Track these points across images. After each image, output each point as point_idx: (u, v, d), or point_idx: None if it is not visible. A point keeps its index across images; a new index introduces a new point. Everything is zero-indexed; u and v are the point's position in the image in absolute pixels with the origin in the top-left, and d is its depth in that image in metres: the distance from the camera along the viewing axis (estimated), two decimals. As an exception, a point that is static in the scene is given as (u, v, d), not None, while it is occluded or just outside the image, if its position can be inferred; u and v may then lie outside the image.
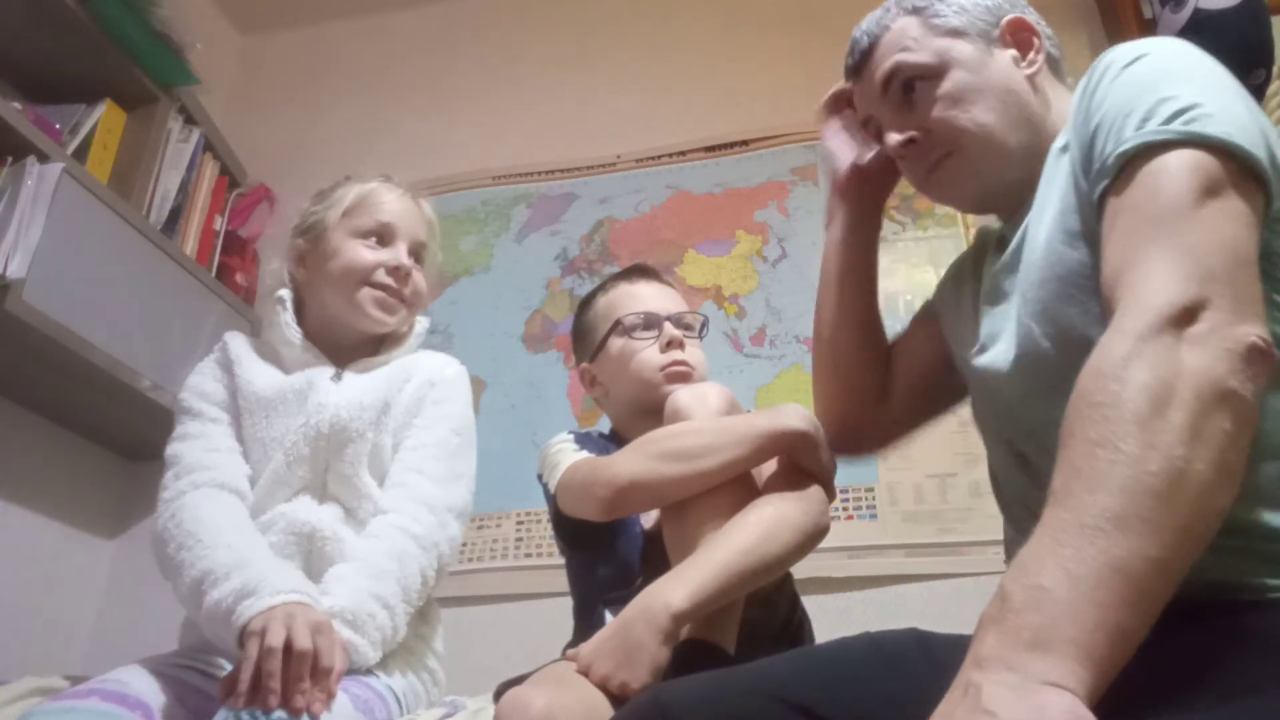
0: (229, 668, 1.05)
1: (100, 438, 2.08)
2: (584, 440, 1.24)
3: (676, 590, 0.92)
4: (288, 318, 1.31)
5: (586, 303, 1.39)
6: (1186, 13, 1.71)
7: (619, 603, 0.98)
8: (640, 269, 1.39)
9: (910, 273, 2.00)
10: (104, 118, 1.96)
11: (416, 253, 1.36)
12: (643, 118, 2.34)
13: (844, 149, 1.10)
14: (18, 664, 1.54)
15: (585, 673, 0.90)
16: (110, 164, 1.97)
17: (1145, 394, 0.61)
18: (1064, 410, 0.65)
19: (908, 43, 0.95)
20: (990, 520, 1.74)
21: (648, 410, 1.21)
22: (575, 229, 2.26)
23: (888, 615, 1.68)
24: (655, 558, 1.08)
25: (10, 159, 1.67)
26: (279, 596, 1.01)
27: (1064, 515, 0.59)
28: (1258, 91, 1.59)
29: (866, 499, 1.84)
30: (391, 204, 1.34)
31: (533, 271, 2.23)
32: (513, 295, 2.21)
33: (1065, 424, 0.64)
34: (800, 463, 1.06)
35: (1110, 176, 0.74)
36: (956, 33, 0.95)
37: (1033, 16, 0.98)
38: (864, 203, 1.11)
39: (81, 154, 1.88)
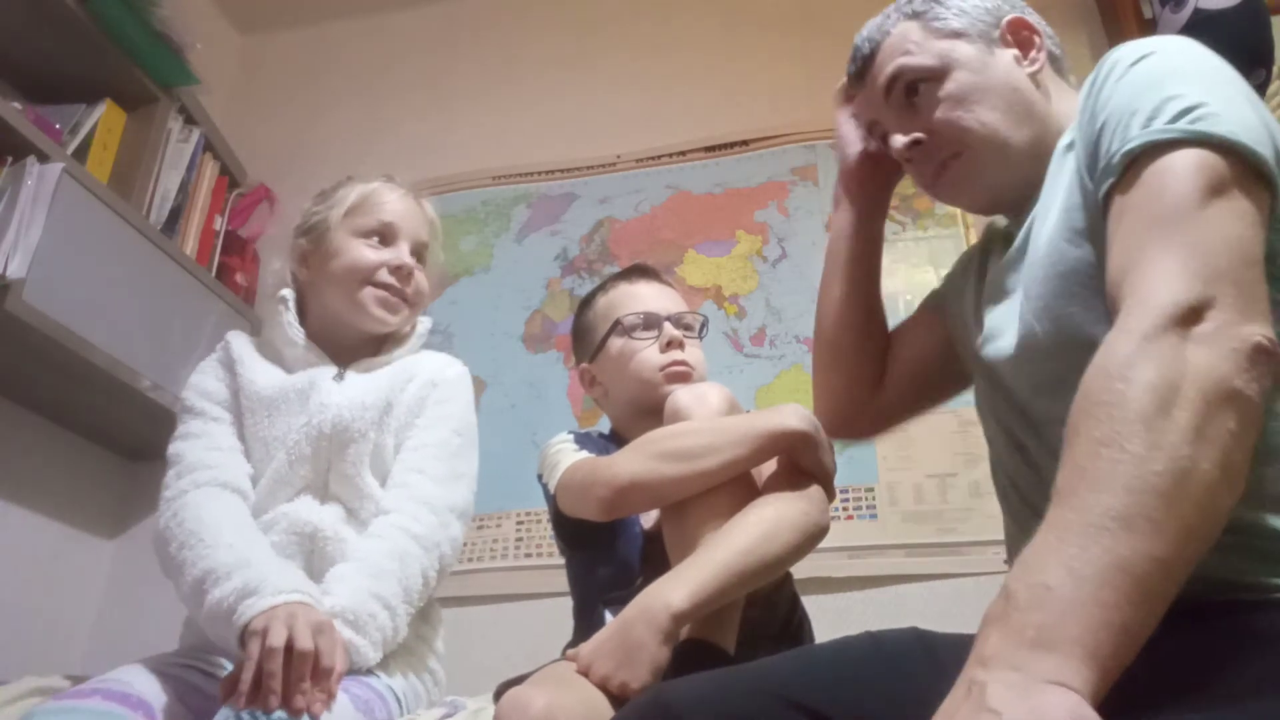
0: (230, 667, 1.05)
1: (100, 438, 2.08)
2: (584, 440, 1.24)
3: (676, 590, 0.92)
4: (290, 317, 1.31)
5: (586, 303, 1.39)
6: (1186, 12, 1.71)
7: (619, 603, 0.99)
8: (640, 269, 1.39)
9: (910, 273, 2.00)
10: (104, 118, 1.96)
11: (418, 252, 1.36)
12: (643, 118, 2.35)
13: (854, 136, 1.10)
14: (18, 664, 1.54)
15: (585, 673, 0.90)
16: (110, 164, 1.97)
17: (1151, 393, 0.60)
18: (1065, 406, 0.65)
19: (909, 46, 0.96)
20: (990, 520, 1.75)
21: (647, 410, 1.21)
22: (575, 229, 2.26)
23: (888, 615, 1.68)
24: (655, 558, 1.08)
25: (10, 159, 1.67)
26: (280, 596, 1.01)
27: (1068, 514, 0.59)
28: (1258, 91, 1.59)
29: (866, 499, 1.84)
30: (394, 204, 1.35)
31: (533, 271, 2.23)
32: (513, 295, 2.21)
33: (1070, 422, 0.64)
34: (800, 463, 1.06)
35: (1116, 175, 0.74)
36: (957, 34, 0.95)
37: (1033, 16, 0.99)
38: (871, 190, 1.11)
39: (81, 154, 1.88)
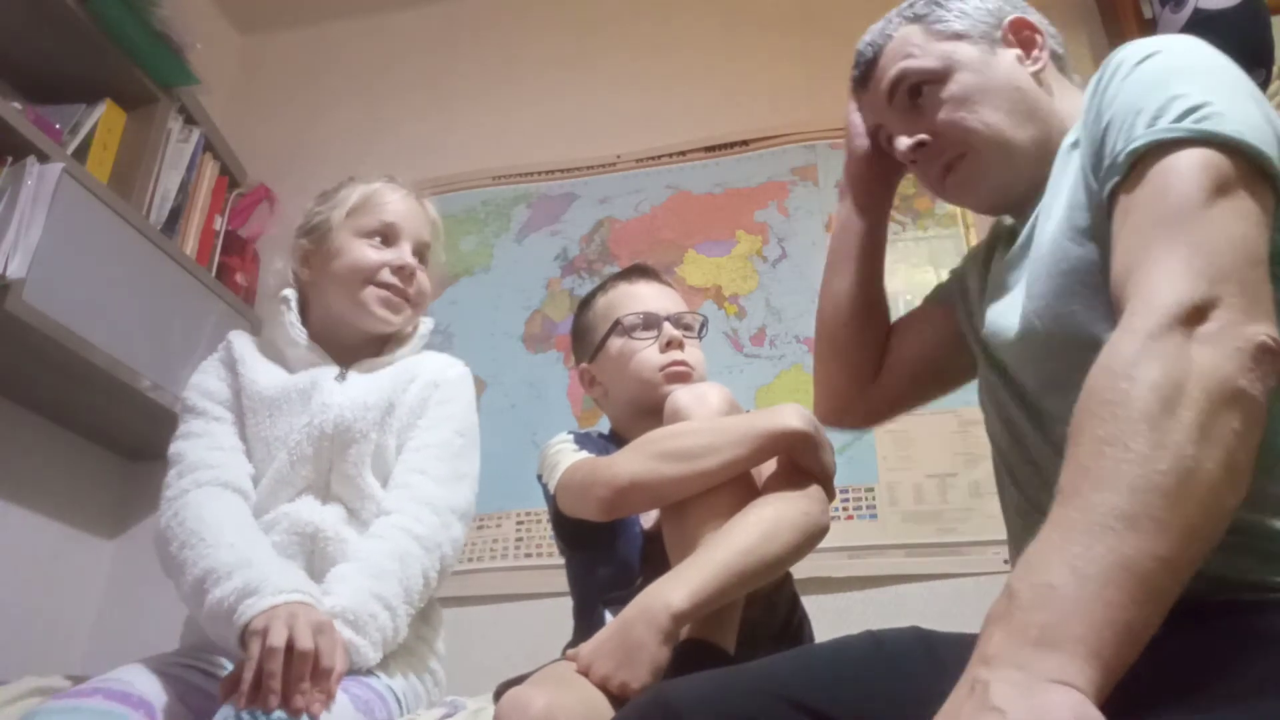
0: (230, 667, 1.05)
1: (100, 438, 2.08)
2: (583, 440, 1.24)
3: (676, 590, 0.92)
4: (292, 317, 1.31)
5: (586, 303, 1.39)
6: (1186, 12, 1.71)
7: (619, 603, 0.99)
8: (640, 269, 1.39)
9: (910, 273, 2.00)
10: (104, 118, 1.96)
11: (420, 253, 1.36)
12: (643, 118, 2.35)
13: (862, 128, 1.10)
14: (18, 664, 1.54)
15: (585, 673, 0.90)
16: (110, 164, 1.97)
17: (1155, 393, 0.60)
18: (1065, 402, 0.65)
19: (911, 49, 0.96)
20: (990, 520, 1.75)
21: (647, 410, 1.21)
22: (575, 229, 2.26)
23: (888, 615, 1.68)
24: (655, 558, 1.08)
25: (10, 159, 1.67)
26: (281, 596, 1.01)
27: (1072, 514, 0.59)
28: (1258, 91, 1.59)
29: (866, 499, 1.84)
30: (395, 204, 1.35)
31: (533, 271, 2.23)
32: (513, 295, 2.21)
33: (1074, 421, 0.64)
34: (800, 463, 1.06)
35: (1121, 174, 0.74)
36: (959, 36, 0.96)
37: (1035, 16, 0.99)
38: (877, 183, 1.11)
39: (81, 154, 1.88)
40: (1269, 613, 0.66)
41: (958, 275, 1.12)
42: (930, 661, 0.78)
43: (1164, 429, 0.59)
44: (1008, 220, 1.01)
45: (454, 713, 1.10)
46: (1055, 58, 0.98)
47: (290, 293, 1.33)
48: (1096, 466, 0.60)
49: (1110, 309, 0.71)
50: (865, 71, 1.02)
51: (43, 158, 1.69)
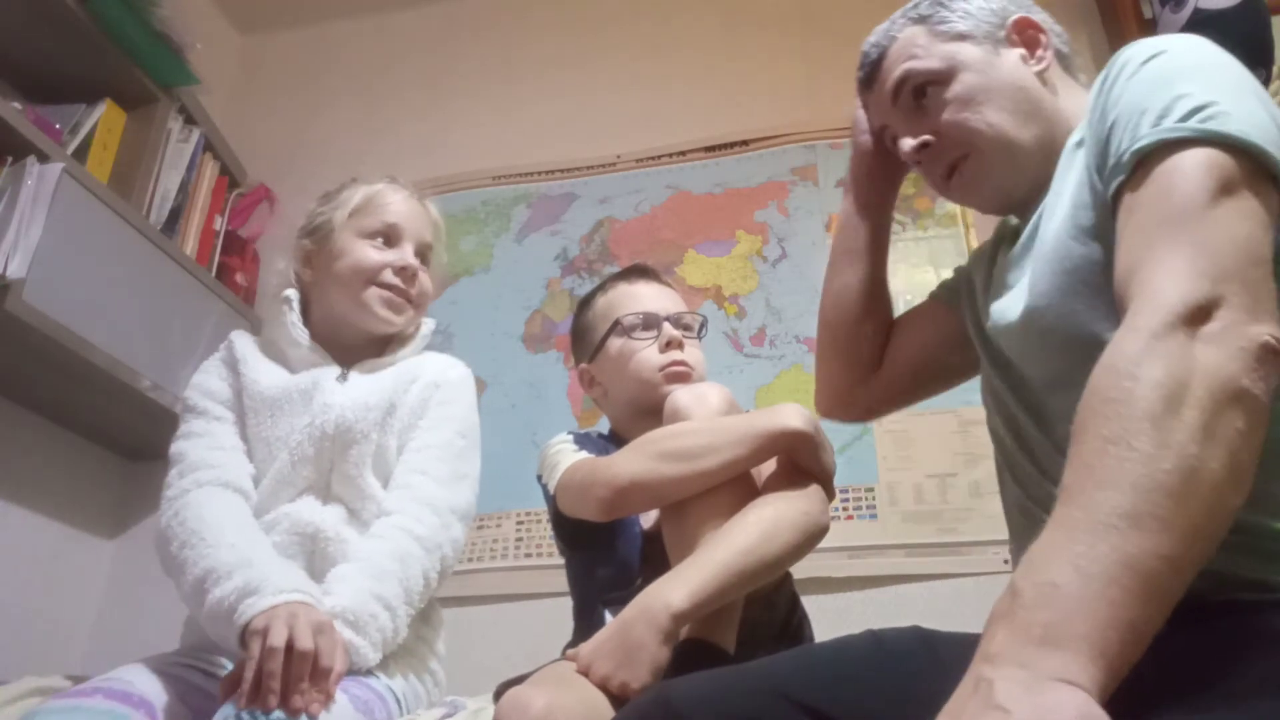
0: (230, 667, 1.05)
1: (100, 438, 2.08)
2: (583, 441, 1.24)
3: (676, 590, 0.92)
4: (294, 318, 1.31)
5: (585, 303, 1.39)
6: (1186, 12, 1.71)
7: (619, 603, 0.99)
8: (639, 269, 1.39)
9: (910, 273, 2.00)
10: (104, 118, 1.96)
11: (422, 254, 1.36)
12: (643, 118, 2.35)
13: (869, 124, 1.11)
14: (18, 664, 1.54)
15: (585, 673, 0.90)
16: (110, 164, 1.97)
17: (1159, 391, 0.61)
18: (1068, 399, 0.65)
19: (915, 50, 0.97)
20: (990, 520, 1.75)
21: (647, 410, 1.21)
22: (575, 229, 2.26)
23: (888, 615, 1.68)
24: (655, 558, 1.08)
25: (10, 159, 1.68)
26: (281, 596, 1.01)
27: (1075, 512, 0.59)
28: (1257, 91, 1.59)
29: (866, 499, 1.84)
30: (398, 205, 1.35)
31: (533, 271, 2.23)
32: (513, 295, 2.21)
33: (1077, 420, 0.64)
34: (800, 462, 1.06)
35: (1125, 173, 0.74)
36: (963, 37, 0.96)
37: (1040, 15, 0.99)
38: (882, 179, 1.12)
39: (81, 154, 1.88)
40: (1269, 613, 0.66)
41: (963, 273, 1.12)
42: (931, 661, 0.78)
43: (1168, 428, 0.59)
44: (1013, 220, 1.01)
45: (454, 713, 1.10)
46: (1060, 57, 0.99)
47: (292, 293, 1.33)
48: (1100, 465, 0.60)
49: (1113, 308, 0.71)
50: (870, 72, 1.03)
51: (43, 158, 1.69)
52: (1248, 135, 0.70)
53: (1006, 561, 1.69)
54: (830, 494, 1.07)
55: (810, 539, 1.01)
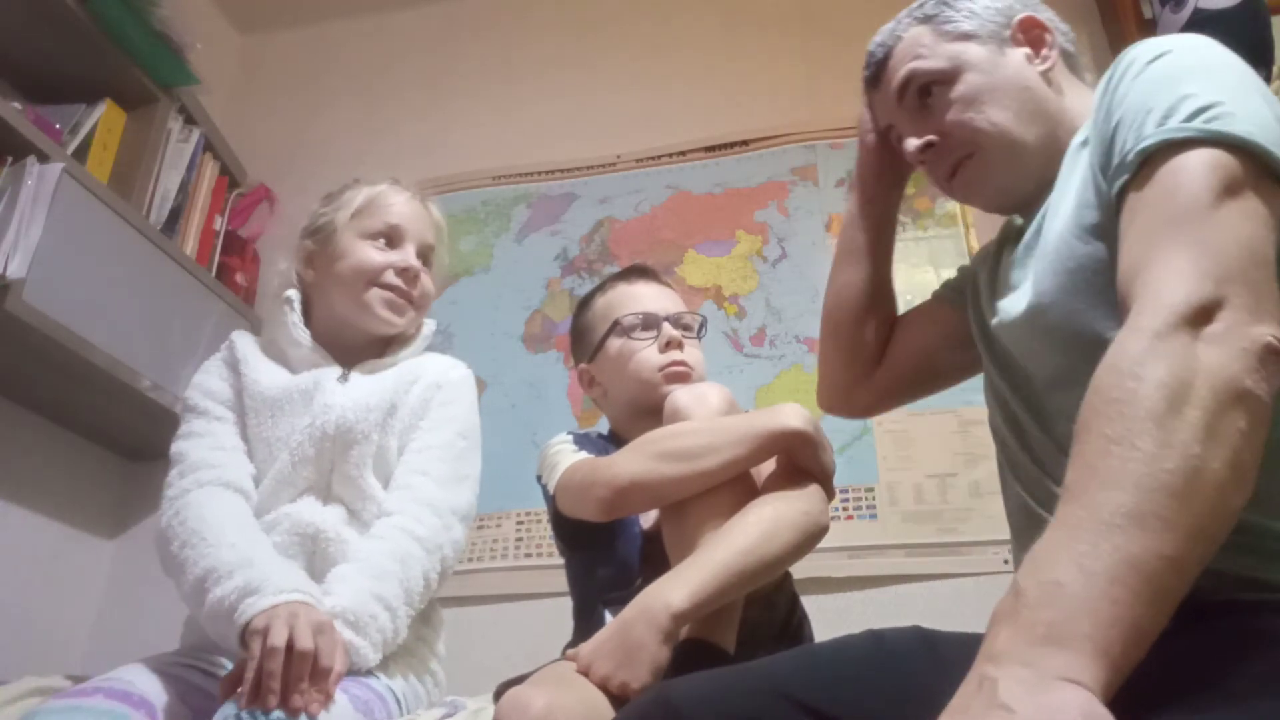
0: (230, 667, 1.05)
1: (100, 438, 2.08)
2: (583, 441, 1.24)
3: (676, 590, 0.92)
4: (295, 318, 1.31)
5: (585, 303, 1.39)
6: (1186, 12, 1.71)
7: (619, 603, 0.99)
8: (639, 269, 1.39)
9: (910, 273, 2.00)
10: (104, 118, 1.96)
11: (424, 255, 1.36)
12: (643, 118, 2.35)
13: (876, 123, 1.11)
14: (18, 664, 1.54)
15: (585, 672, 0.90)
16: (110, 164, 1.98)
17: (1162, 391, 0.61)
18: (1071, 397, 0.66)
19: (920, 50, 0.97)
20: (990, 520, 1.75)
21: (647, 410, 1.21)
22: (575, 229, 2.26)
23: (888, 615, 1.68)
24: (654, 558, 1.08)
25: (10, 159, 1.68)
26: (282, 595, 1.01)
27: (1079, 511, 0.59)
28: (1258, 91, 1.59)
29: (866, 499, 1.84)
30: (400, 206, 1.35)
31: (533, 271, 2.23)
32: (513, 295, 2.21)
33: (1080, 419, 0.64)
34: (799, 462, 1.06)
35: (1130, 173, 0.74)
36: (968, 36, 0.96)
37: (1046, 14, 0.99)
38: (888, 177, 1.13)
39: (81, 154, 1.89)
40: (1269, 613, 0.66)
41: (967, 273, 1.13)
42: (932, 660, 0.78)
43: (1171, 428, 0.59)
44: (1017, 220, 1.02)
45: (454, 713, 1.10)
46: (1066, 56, 0.99)
47: (294, 293, 1.33)
48: (1103, 465, 0.60)
49: (1116, 307, 0.71)
50: (876, 72, 1.03)
51: (43, 158, 1.69)
52: (1252, 136, 0.70)
53: (1007, 561, 1.70)
54: (830, 494, 1.07)
55: (810, 539, 1.01)
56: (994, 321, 0.94)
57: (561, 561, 1.30)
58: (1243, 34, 1.61)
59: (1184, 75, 0.75)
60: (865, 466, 1.86)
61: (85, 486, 2.07)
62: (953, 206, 2.06)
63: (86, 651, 1.98)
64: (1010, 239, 1.00)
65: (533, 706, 0.81)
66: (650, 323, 1.29)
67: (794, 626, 1.17)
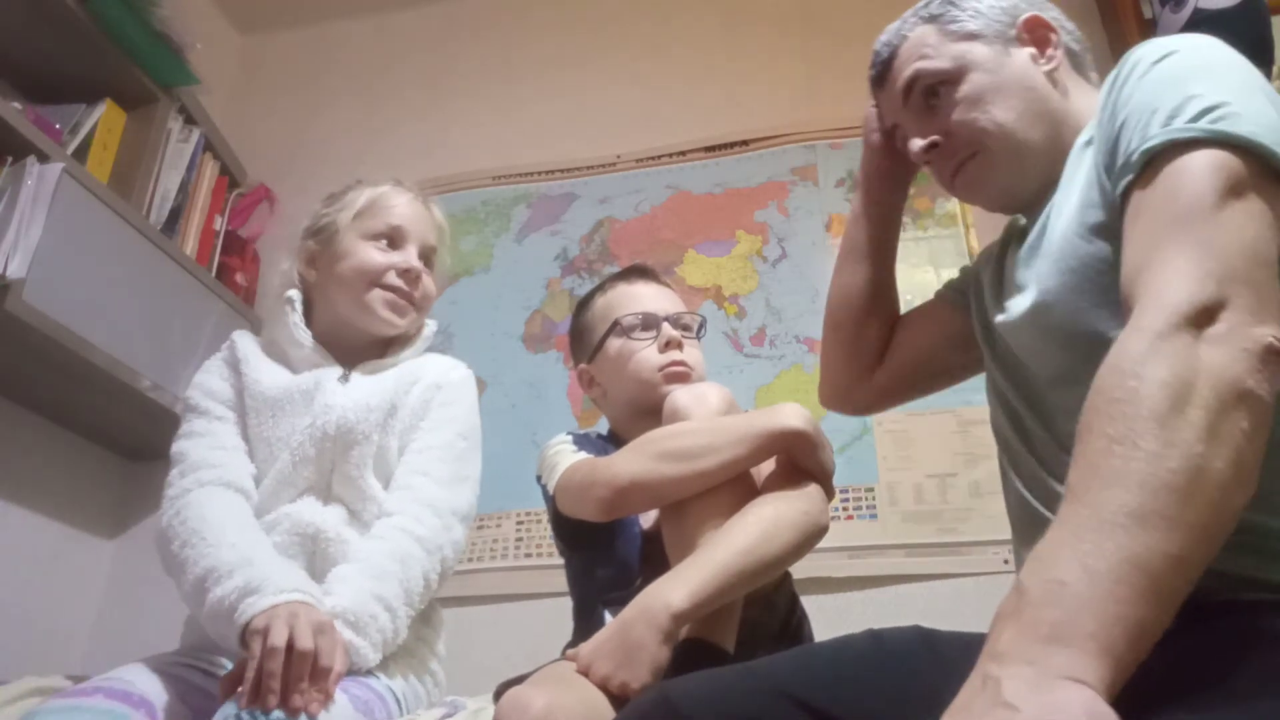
0: (230, 666, 1.05)
1: (100, 438, 2.08)
2: (582, 441, 1.24)
3: (676, 590, 0.92)
4: (297, 318, 1.31)
5: (584, 303, 1.39)
6: (1186, 12, 1.71)
7: (618, 603, 0.99)
8: (638, 269, 1.39)
9: (910, 273, 2.00)
10: (104, 118, 1.96)
11: (426, 256, 1.37)
12: (643, 118, 2.35)
13: (881, 122, 1.11)
14: (18, 664, 1.54)
15: (585, 672, 0.90)
16: (110, 164, 1.98)
17: (1164, 391, 0.61)
18: (1078, 398, 0.66)
19: (925, 50, 0.97)
20: (990, 520, 1.75)
21: (646, 410, 1.21)
22: (575, 229, 2.26)
23: (888, 615, 1.67)
24: (654, 558, 1.08)
25: (10, 159, 1.67)
26: (282, 595, 1.01)
27: (1082, 511, 0.60)
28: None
29: (866, 499, 1.84)
30: (402, 207, 1.35)
31: (533, 271, 2.23)
32: (513, 295, 2.21)
33: (1082, 419, 0.64)
34: (799, 462, 1.06)
35: (1134, 172, 0.74)
36: (973, 36, 0.96)
37: (1052, 13, 0.99)
38: (893, 176, 1.13)
39: (81, 154, 1.88)
40: (1269, 613, 0.66)
41: (970, 273, 1.13)
42: (932, 660, 0.79)
43: (1173, 427, 0.59)
44: (1021, 220, 1.02)
45: (454, 713, 1.10)
46: (1071, 55, 0.99)
47: (295, 294, 1.33)
48: (1106, 464, 0.60)
49: (1120, 306, 0.71)
50: (881, 71, 1.04)
51: (43, 158, 1.69)
52: (1257, 137, 0.70)
53: (1007, 561, 1.70)
54: (829, 493, 1.07)
55: (810, 539, 1.01)
56: (998, 320, 0.94)
57: (561, 561, 1.30)
58: (1243, 33, 1.61)
59: (1190, 75, 0.75)
60: (865, 466, 1.86)
61: (85, 486, 2.07)
62: (953, 206, 2.06)
63: (86, 651, 1.98)
64: (1014, 239, 1.00)
65: (533, 706, 0.81)
66: (650, 323, 1.29)
67: (794, 626, 1.17)
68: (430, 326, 1.40)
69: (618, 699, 0.86)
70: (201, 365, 1.34)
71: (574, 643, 1.07)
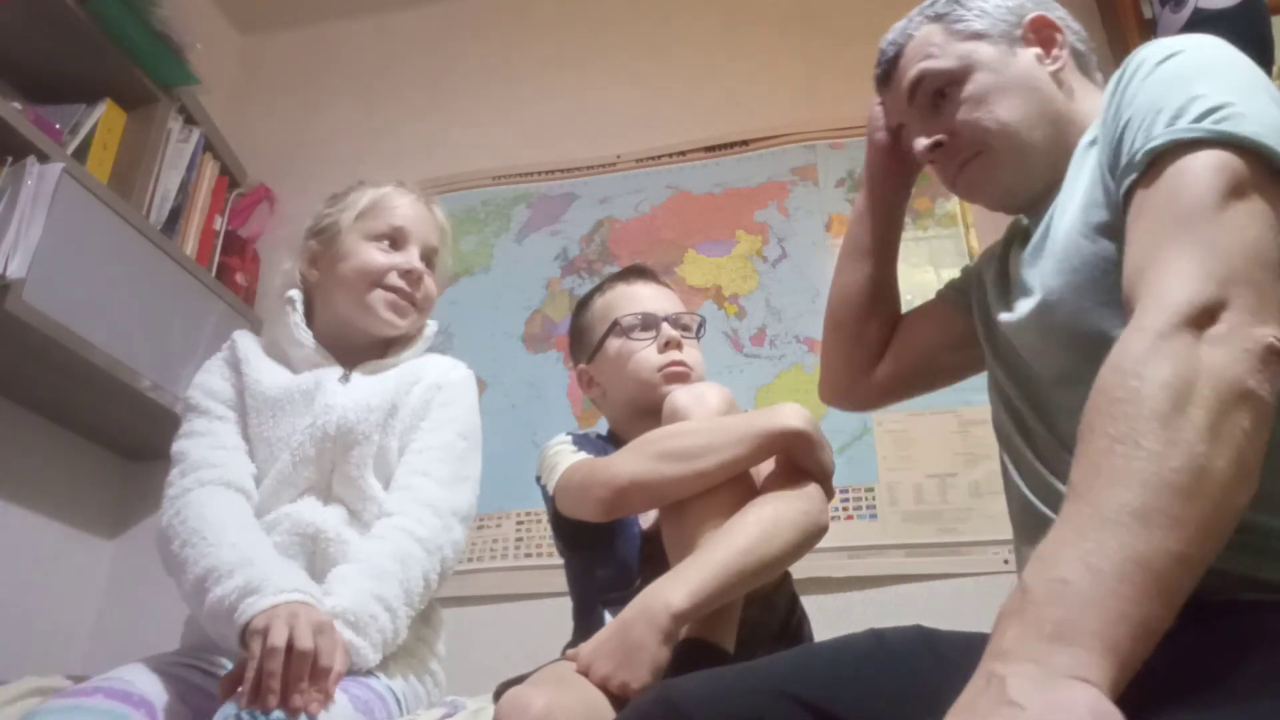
0: (230, 666, 1.05)
1: (100, 438, 2.08)
2: (582, 442, 1.24)
3: (676, 590, 0.92)
4: (298, 318, 1.31)
5: (584, 304, 1.39)
6: (1186, 12, 1.71)
7: (618, 603, 0.99)
8: (637, 270, 1.39)
9: (910, 273, 2.00)
10: (104, 118, 1.96)
11: (428, 258, 1.37)
12: (643, 118, 2.35)
13: (887, 120, 1.11)
14: (18, 664, 1.54)
15: (585, 672, 0.90)
16: (110, 164, 1.97)
17: (1166, 391, 0.61)
18: (1076, 394, 0.66)
19: (931, 50, 0.97)
20: (990, 520, 1.75)
21: (646, 411, 1.21)
22: (575, 229, 2.26)
23: (888, 615, 1.67)
24: (654, 558, 1.08)
25: (10, 159, 1.67)
26: (282, 595, 1.01)
27: (1084, 510, 0.60)
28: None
29: (866, 499, 1.84)
30: (405, 208, 1.35)
31: (533, 271, 2.23)
32: (513, 295, 2.21)
33: (1084, 419, 0.64)
34: (799, 462, 1.06)
35: (1138, 172, 0.75)
36: (978, 36, 0.97)
37: (1058, 13, 0.99)
38: (897, 174, 1.13)
39: (81, 154, 1.88)
40: (1269, 613, 0.67)
41: (972, 272, 1.13)
42: (933, 659, 0.79)
43: (1175, 427, 0.60)
44: (1024, 220, 1.02)
45: (454, 713, 1.10)
46: (1077, 55, 0.99)
47: (296, 294, 1.34)
48: (1108, 464, 0.60)
49: (1123, 306, 0.71)
50: (887, 70, 1.04)
51: (43, 158, 1.69)
52: (1260, 137, 0.70)
53: (1007, 561, 1.70)
54: (829, 493, 1.07)
55: (809, 538, 1.01)
56: (1001, 320, 0.95)
57: (561, 561, 1.30)
58: (1243, 33, 1.61)
59: (1194, 76, 0.75)
60: (865, 466, 1.86)
61: (85, 486, 2.07)
62: (953, 206, 2.06)
63: (86, 651, 1.98)
64: (1017, 239, 1.01)
65: (533, 706, 0.81)
66: (649, 323, 1.29)
67: (794, 626, 1.17)
68: (431, 327, 1.40)
69: (618, 699, 0.86)
70: (202, 365, 1.34)
71: (574, 643, 1.07)
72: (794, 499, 1.02)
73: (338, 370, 1.30)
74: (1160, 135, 0.73)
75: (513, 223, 2.31)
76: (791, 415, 1.05)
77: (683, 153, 2.28)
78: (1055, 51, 0.97)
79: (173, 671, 1.11)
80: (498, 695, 0.98)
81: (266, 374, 1.29)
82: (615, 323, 1.30)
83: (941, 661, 0.77)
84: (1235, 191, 0.69)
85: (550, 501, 1.21)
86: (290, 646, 0.95)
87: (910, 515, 1.81)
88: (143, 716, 1.00)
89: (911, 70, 0.98)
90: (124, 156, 2.00)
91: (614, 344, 1.29)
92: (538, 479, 1.25)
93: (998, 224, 1.09)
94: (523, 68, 2.51)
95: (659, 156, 2.29)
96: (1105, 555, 0.57)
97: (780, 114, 2.25)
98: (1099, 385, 0.65)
